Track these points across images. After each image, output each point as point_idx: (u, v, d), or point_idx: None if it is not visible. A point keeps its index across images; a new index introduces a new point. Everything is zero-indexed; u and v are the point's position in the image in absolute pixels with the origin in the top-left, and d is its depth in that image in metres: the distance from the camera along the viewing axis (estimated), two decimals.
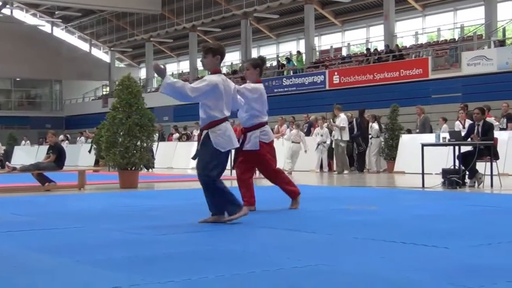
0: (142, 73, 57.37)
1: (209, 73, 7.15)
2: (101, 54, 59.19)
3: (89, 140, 30.61)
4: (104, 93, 55.38)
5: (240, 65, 42.31)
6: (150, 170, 22.21)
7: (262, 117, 8.28)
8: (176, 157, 27.58)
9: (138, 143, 14.11)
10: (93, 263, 4.67)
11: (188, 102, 7.34)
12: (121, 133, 13.92)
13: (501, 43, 28.66)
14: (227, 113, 7.07)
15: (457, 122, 18.86)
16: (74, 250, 5.35)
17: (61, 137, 33.56)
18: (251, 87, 8.14)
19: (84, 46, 58.73)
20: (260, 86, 8.39)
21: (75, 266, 4.57)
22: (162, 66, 6.74)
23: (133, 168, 14.14)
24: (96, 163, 26.31)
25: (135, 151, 13.99)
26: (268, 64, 43.03)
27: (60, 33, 58.58)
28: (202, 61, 7.17)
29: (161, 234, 6.13)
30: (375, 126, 20.84)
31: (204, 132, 7.03)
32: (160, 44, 53.94)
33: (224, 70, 48.36)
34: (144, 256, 4.93)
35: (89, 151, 27.72)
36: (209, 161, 6.94)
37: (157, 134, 19.32)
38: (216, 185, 6.97)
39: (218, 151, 6.92)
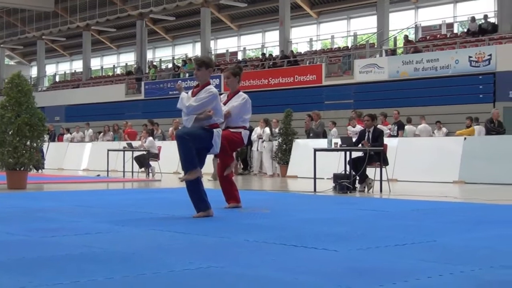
0: (33, 72, 56.06)
1: (199, 84, 8.03)
2: None
3: None
4: None
5: (135, 66, 41.86)
6: (39, 170, 21.70)
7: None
8: (67, 158, 27.05)
9: (28, 143, 13.74)
10: None
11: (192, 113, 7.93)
12: (10, 133, 13.52)
13: (393, 52, 29.47)
14: (222, 119, 8.09)
15: (349, 127, 19.26)
16: None
17: None
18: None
19: None
20: (244, 95, 9.18)
21: None
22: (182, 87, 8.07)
23: (22, 169, 13.76)
24: None
25: (24, 151, 13.61)
26: (163, 66, 42.82)
27: None
28: (195, 74, 8.05)
29: (50, 236, 5.98)
30: (267, 130, 21.02)
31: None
32: (53, 42, 52.83)
33: (118, 71, 47.88)
34: (31, 258, 4.79)
35: None
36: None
37: (47, 135, 18.81)
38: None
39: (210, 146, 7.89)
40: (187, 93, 8.00)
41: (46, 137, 16.92)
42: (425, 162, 17.15)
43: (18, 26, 51.79)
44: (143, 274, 4.20)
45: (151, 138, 20.39)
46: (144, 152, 19.72)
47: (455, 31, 32.34)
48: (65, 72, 54.27)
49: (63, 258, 4.85)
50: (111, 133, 27.59)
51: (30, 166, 14.08)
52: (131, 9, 42.75)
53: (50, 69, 55.60)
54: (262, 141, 20.85)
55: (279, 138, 20.74)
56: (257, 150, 21.14)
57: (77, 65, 52.23)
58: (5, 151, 13.48)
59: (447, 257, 4.99)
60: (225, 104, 8.93)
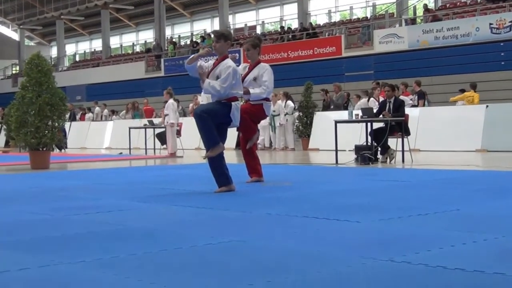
0: (53, 52, 56.21)
1: (218, 57, 8.07)
2: (10, 32, 57.68)
3: None
4: (14, 72, 53.98)
5: (154, 43, 41.83)
6: (62, 150, 21.83)
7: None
8: (89, 137, 27.18)
9: (50, 122, 13.79)
10: (1, 245, 4.53)
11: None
12: (32, 113, 13.57)
13: (412, 22, 29.21)
14: (241, 92, 8.08)
15: (372, 99, 19.15)
16: None
17: None
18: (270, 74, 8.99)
19: None
20: (267, 66, 9.12)
21: None
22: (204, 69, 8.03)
23: (45, 149, 13.83)
24: (6, 144, 25.68)
25: (46, 131, 13.67)
26: (182, 42, 42.74)
27: None
28: (214, 46, 8.11)
29: (73, 215, 6.01)
30: (290, 103, 20.95)
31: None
32: (72, 22, 52.88)
33: (137, 48, 47.89)
34: (54, 237, 4.82)
35: None
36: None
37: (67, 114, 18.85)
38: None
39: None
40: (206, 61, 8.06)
41: (67, 117, 16.96)
42: (447, 131, 17.04)
43: (37, 7, 51.88)
44: (165, 250, 4.20)
45: (171, 100, 19.17)
46: (165, 129, 19.73)
47: None
48: (85, 51, 54.38)
49: (86, 236, 4.87)
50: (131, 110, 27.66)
51: (52, 146, 14.15)
52: None
53: (70, 48, 55.73)
54: (285, 114, 20.75)
55: (299, 111, 20.70)
56: (280, 124, 20.90)
57: (97, 44, 52.31)
58: (28, 131, 13.55)
59: (470, 226, 4.96)
60: (246, 75, 8.89)
